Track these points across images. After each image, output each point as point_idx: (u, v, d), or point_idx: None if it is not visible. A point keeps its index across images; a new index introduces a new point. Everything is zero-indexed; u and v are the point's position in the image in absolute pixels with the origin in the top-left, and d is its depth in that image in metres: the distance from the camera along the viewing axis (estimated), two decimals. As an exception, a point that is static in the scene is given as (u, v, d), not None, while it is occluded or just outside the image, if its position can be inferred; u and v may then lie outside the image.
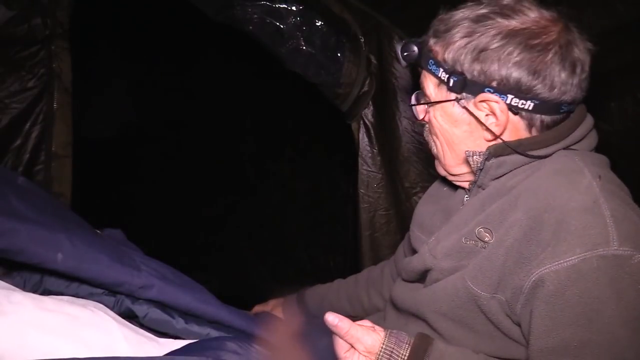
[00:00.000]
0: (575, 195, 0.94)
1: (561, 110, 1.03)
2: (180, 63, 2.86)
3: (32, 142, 1.81)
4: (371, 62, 1.96)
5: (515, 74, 0.99)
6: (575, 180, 0.96)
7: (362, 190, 2.05)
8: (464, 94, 1.03)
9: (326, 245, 2.68)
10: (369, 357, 1.01)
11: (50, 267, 0.97)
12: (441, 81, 1.05)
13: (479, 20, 1.01)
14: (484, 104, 1.02)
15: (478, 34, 1.00)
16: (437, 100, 1.08)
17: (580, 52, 1.02)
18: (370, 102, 2.00)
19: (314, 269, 2.71)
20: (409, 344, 1.01)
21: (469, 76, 1.02)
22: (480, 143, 1.06)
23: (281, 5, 1.84)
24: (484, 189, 1.08)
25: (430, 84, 1.09)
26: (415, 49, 1.08)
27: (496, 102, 1.01)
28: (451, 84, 1.03)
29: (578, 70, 1.01)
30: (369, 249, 2.07)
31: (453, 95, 1.05)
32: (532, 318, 0.94)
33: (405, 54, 1.09)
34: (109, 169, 2.82)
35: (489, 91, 1.01)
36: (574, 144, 1.05)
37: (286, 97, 2.58)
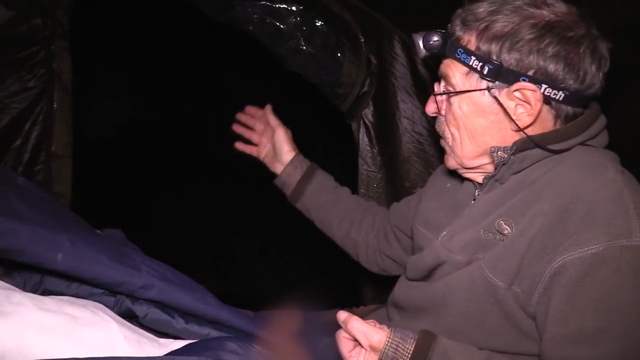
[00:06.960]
0: (602, 187, 0.97)
1: (586, 103, 1.05)
2: (180, 63, 2.86)
3: (32, 142, 1.81)
4: (371, 62, 1.96)
5: (552, 64, 1.00)
6: (600, 173, 0.99)
7: (362, 190, 2.04)
8: (497, 82, 1.03)
9: (326, 245, 2.67)
10: (374, 353, 1.03)
11: (51, 267, 0.97)
12: (472, 69, 1.05)
13: (515, 10, 1.02)
14: (517, 93, 1.03)
15: (515, 24, 1.01)
16: (464, 89, 1.07)
17: (604, 48, 1.04)
18: (370, 102, 2.00)
19: (314, 269, 2.70)
20: (414, 339, 1.03)
21: (504, 65, 1.02)
22: (505, 134, 1.07)
23: (281, 5, 1.84)
24: (502, 183, 1.09)
25: (456, 74, 1.07)
26: (439, 38, 1.08)
27: (533, 90, 1.01)
28: (485, 72, 1.03)
29: (603, 64, 1.04)
30: (369, 249, 2.06)
31: (484, 84, 1.04)
32: (550, 305, 0.95)
33: (429, 43, 1.08)
34: (109, 169, 2.82)
35: (524, 80, 1.01)
36: (590, 139, 1.06)
37: (286, 97, 2.58)
